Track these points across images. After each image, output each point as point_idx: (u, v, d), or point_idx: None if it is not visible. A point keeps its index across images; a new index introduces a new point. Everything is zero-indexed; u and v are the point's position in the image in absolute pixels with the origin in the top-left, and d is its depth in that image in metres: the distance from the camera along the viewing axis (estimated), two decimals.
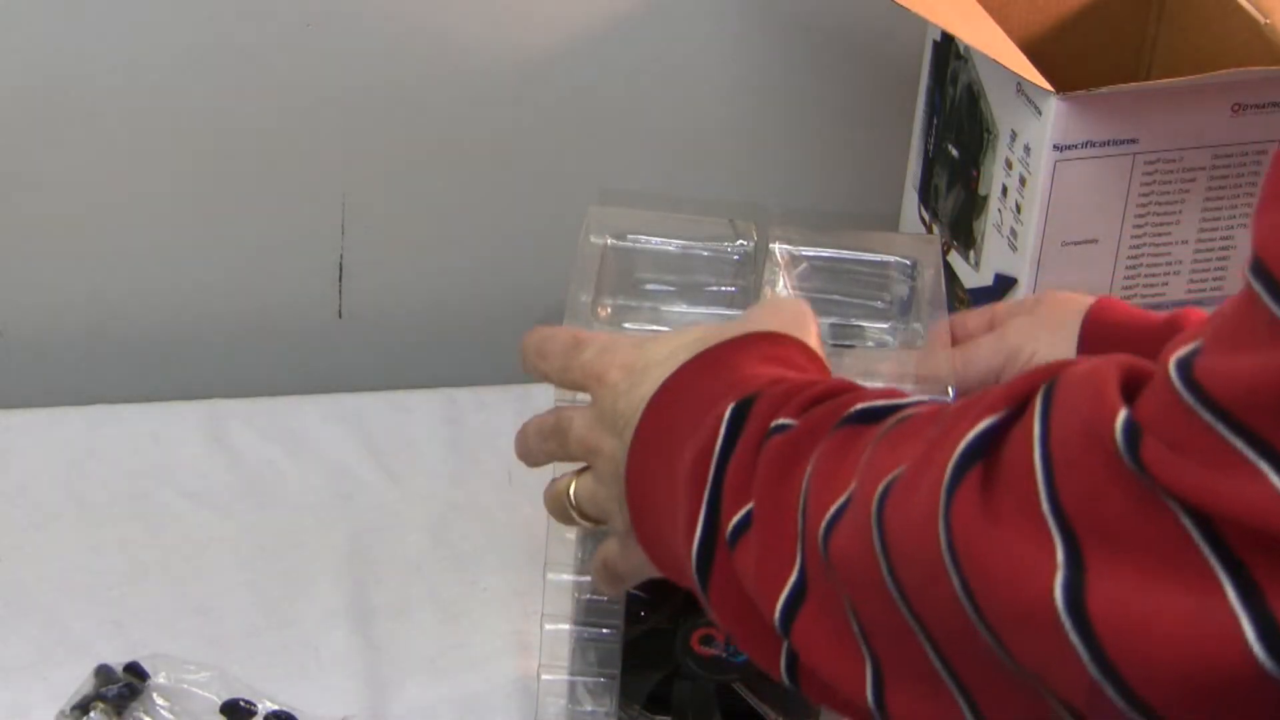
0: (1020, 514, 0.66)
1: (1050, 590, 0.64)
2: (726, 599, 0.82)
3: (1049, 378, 0.68)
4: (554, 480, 0.97)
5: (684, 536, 0.83)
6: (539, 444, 0.96)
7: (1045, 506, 0.65)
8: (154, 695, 1.09)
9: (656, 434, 0.87)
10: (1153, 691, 0.63)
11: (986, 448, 0.68)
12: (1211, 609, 0.61)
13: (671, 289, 1.08)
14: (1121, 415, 0.63)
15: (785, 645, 0.79)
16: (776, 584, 0.78)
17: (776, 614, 0.78)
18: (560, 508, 0.95)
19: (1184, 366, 0.62)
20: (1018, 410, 0.68)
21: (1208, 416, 0.61)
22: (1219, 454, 0.61)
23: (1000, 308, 1.08)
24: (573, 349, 0.95)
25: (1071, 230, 1.19)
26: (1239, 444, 0.60)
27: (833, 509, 0.75)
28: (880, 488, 0.72)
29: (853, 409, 0.79)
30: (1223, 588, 0.61)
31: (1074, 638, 0.63)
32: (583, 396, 0.96)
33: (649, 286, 1.08)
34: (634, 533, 0.89)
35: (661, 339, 0.92)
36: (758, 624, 0.80)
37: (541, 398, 1.01)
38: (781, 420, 0.81)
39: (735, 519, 0.81)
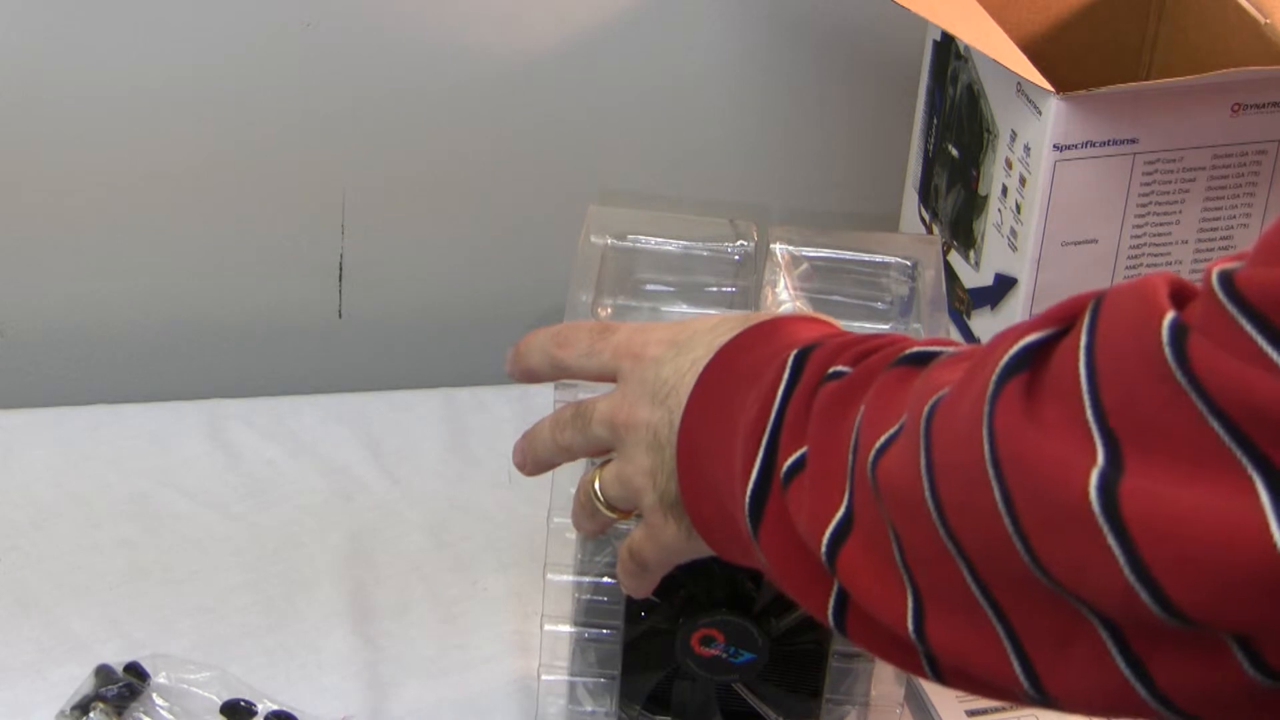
0: (1063, 419, 0.67)
1: (1086, 489, 0.65)
2: (776, 541, 0.83)
3: (1097, 297, 0.69)
4: (580, 479, 0.97)
5: (739, 482, 0.84)
6: (553, 437, 0.96)
7: (1089, 413, 0.66)
8: (154, 695, 1.09)
9: (716, 389, 0.88)
10: (1183, 592, 0.64)
11: (1031, 360, 0.69)
12: (1241, 507, 0.62)
13: (671, 289, 1.08)
14: (1169, 316, 0.65)
15: (834, 587, 0.80)
16: (824, 517, 0.79)
17: (823, 546, 0.79)
18: (586, 503, 0.96)
19: (1225, 276, 0.64)
20: (1064, 329, 0.70)
21: (1245, 323, 0.63)
22: (1256, 356, 0.62)
23: None
24: (600, 333, 0.96)
25: (1071, 230, 1.19)
26: (1271, 350, 0.62)
27: (883, 438, 0.76)
28: (927, 406, 0.73)
29: (905, 352, 0.81)
30: (1254, 486, 0.62)
31: (1109, 537, 0.64)
32: (587, 391, 0.96)
33: (649, 287, 1.08)
34: (680, 495, 0.89)
35: (699, 317, 0.94)
36: (806, 566, 0.81)
37: (542, 398, 1.01)
38: (837, 367, 0.83)
39: (790, 460, 0.82)
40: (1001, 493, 0.68)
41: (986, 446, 0.69)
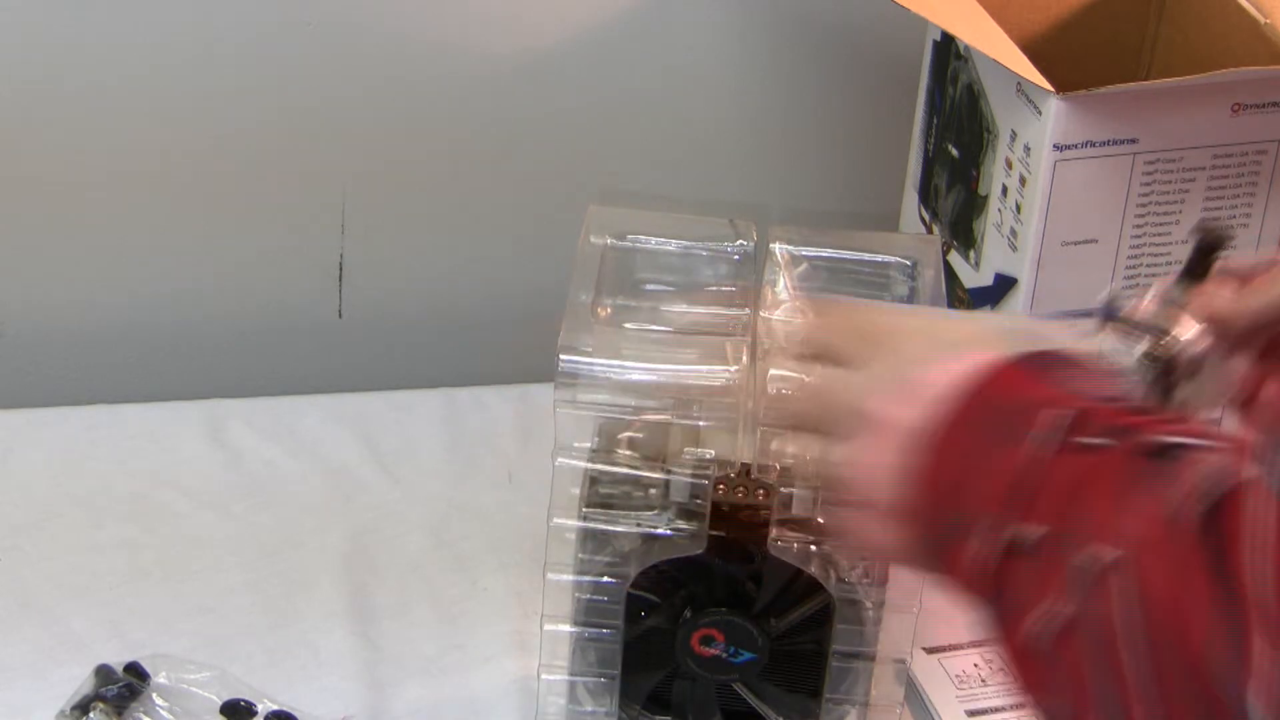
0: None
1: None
2: (972, 585, 0.81)
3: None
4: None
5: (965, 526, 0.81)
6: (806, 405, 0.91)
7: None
8: (154, 695, 1.09)
9: (969, 418, 0.84)
10: None
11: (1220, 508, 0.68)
12: None
13: (671, 289, 1.08)
14: None
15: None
16: (1036, 602, 0.77)
17: (1031, 630, 0.77)
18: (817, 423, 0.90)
19: None
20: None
21: None
22: None
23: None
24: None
25: (1071, 230, 1.19)
26: None
27: (1104, 553, 0.74)
28: (1134, 545, 0.72)
29: (1151, 439, 0.78)
30: None
31: None
32: (586, 389, 0.96)
33: (649, 286, 1.08)
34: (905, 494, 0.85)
35: (960, 321, 0.90)
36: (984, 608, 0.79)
37: (541, 397, 1.01)
38: (1089, 439, 0.80)
39: (1021, 532, 0.79)
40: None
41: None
